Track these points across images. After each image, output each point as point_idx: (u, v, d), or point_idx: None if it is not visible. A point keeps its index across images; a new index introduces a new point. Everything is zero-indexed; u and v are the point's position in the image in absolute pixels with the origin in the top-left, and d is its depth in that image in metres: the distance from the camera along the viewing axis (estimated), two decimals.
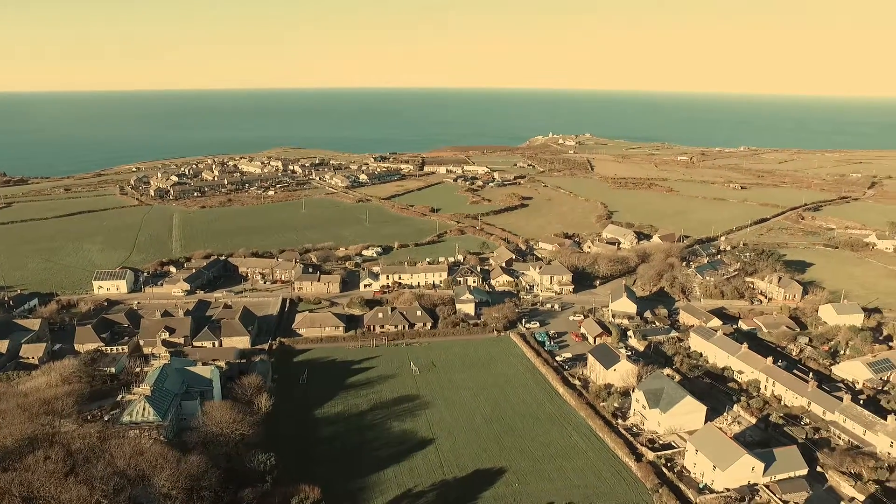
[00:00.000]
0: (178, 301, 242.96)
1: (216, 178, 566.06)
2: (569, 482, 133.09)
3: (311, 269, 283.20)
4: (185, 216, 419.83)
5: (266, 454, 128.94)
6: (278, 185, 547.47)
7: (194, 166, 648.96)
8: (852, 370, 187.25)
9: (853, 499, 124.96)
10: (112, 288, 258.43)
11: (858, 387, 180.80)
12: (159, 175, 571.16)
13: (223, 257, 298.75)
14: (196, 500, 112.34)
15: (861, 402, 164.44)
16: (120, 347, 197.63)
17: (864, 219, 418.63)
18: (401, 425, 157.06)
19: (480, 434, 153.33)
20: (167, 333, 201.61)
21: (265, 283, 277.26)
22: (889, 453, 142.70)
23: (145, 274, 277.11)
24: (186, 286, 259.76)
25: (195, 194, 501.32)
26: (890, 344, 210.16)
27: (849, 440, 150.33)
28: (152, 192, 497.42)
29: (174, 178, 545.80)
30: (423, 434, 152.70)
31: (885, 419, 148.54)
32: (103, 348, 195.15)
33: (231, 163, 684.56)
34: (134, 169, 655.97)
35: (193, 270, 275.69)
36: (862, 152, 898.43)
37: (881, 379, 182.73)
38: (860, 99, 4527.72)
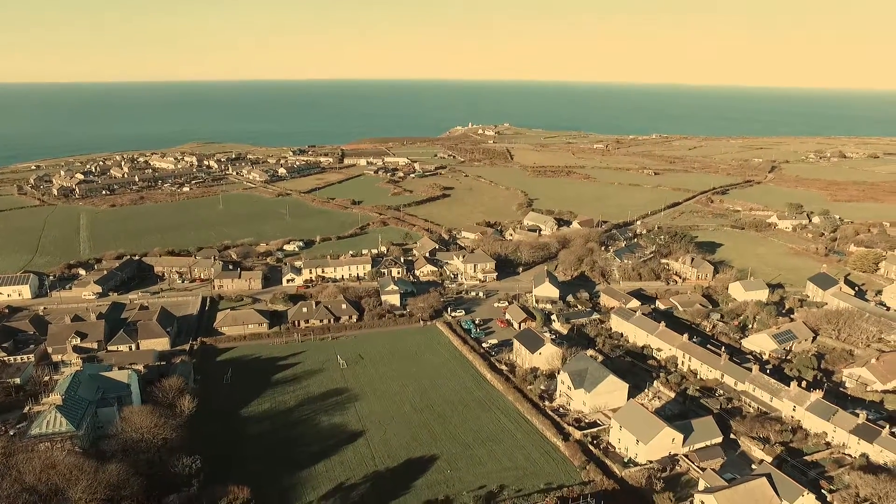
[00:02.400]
0: (90, 304, 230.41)
1: (126, 176, 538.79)
2: (500, 465, 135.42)
3: (231, 266, 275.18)
4: (94, 216, 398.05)
5: (191, 457, 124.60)
6: (193, 182, 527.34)
7: (101, 163, 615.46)
8: (759, 342, 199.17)
9: (762, 461, 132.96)
10: (13, 293, 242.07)
11: (766, 357, 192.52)
12: (62, 173, 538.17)
13: (137, 257, 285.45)
14: None
15: (768, 371, 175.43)
16: (25, 356, 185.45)
17: (766, 201, 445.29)
18: (330, 419, 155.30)
19: (411, 423, 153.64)
20: (78, 339, 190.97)
21: (183, 282, 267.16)
22: (792, 416, 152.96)
23: (51, 277, 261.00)
24: (98, 288, 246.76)
25: (103, 193, 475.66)
26: (791, 316, 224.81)
27: (758, 407, 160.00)
28: (55, 192, 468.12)
29: (79, 176, 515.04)
30: (354, 427, 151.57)
31: (789, 386, 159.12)
32: (5, 358, 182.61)
33: (142, 159, 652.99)
34: (33, 167, 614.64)
35: (105, 272, 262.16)
36: (763, 139, 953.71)
37: (784, 349, 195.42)
38: (761, 89, 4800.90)
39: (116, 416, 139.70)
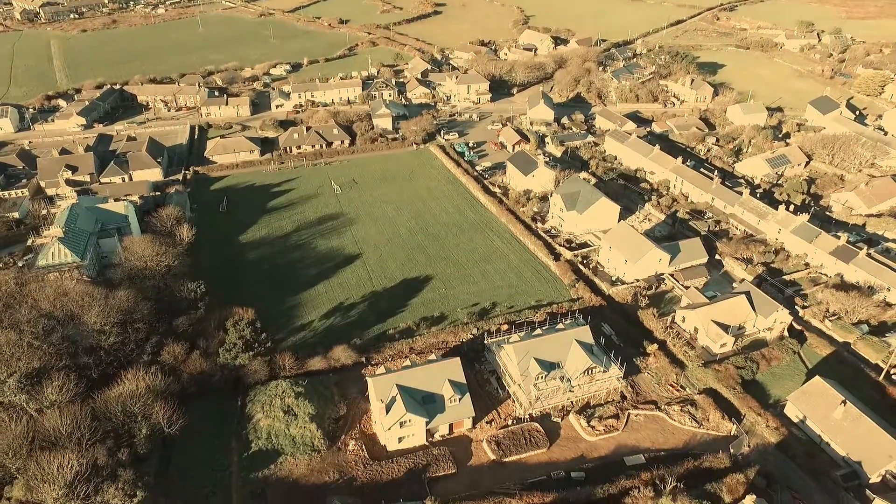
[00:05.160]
0: (76, 137, 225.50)
1: None
2: (492, 284, 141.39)
3: (217, 93, 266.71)
4: (65, 42, 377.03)
5: (195, 282, 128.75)
6: (168, 2, 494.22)
7: None
8: (752, 167, 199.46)
9: (743, 280, 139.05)
10: None
11: (757, 181, 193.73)
12: None
13: (118, 86, 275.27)
14: (132, 333, 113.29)
15: (758, 195, 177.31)
16: (18, 191, 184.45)
17: (776, 18, 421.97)
18: (327, 243, 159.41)
19: (406, 246, 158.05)
20: (69, 172, 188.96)
21: (169, 110, 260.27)
22: (777, 239, 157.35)
23: (31, 110, 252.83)
24: (82, 120, 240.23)
25: (71, 16, 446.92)
26: (787, 141, 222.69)
27: (744, 230, 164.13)
28: (18, 16, 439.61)
29: None
30: (350, 250, 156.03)
31: (777, 209, 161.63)
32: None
33: None
34: None
35: (87, 102, 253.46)
36: None
37: (777, 173, 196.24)
38: None
39: (118, 245, 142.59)
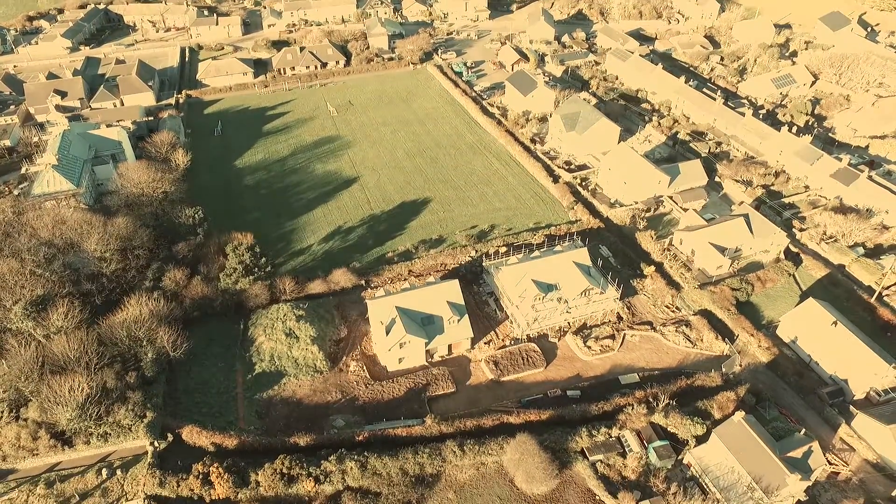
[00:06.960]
0: (62, 60, 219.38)
1: None
2: (491, 206, 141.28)
3: (206, 12, 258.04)
4: None
5: (193, 208, 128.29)
6: None
7: None
8: (757, 86, 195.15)
9: (742, 202, 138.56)
10: None
11: (760, 102, 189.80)
12: None
13: (102, 5, 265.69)
14: (132, 259, 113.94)
15: (761, 116, 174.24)
16: (6, 118, 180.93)
17: None
18: (324, 167, 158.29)
19: (404, 168, 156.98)
20: (59, 97, 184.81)
21: (157, 31, 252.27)
22: (777, 161, 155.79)
23: (13, 31, 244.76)
24: (67, 42, 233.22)
25: None
26: (794, 59, 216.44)
27: (746, 152, 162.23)
28: None
29: None
30: (348, 173, 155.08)
31: (780, 131, 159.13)
32: None
33: None
34: None
35: (71, 23, 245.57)
36: None
37: (781, 94, 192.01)
38: None
39: (113, 172, 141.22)
